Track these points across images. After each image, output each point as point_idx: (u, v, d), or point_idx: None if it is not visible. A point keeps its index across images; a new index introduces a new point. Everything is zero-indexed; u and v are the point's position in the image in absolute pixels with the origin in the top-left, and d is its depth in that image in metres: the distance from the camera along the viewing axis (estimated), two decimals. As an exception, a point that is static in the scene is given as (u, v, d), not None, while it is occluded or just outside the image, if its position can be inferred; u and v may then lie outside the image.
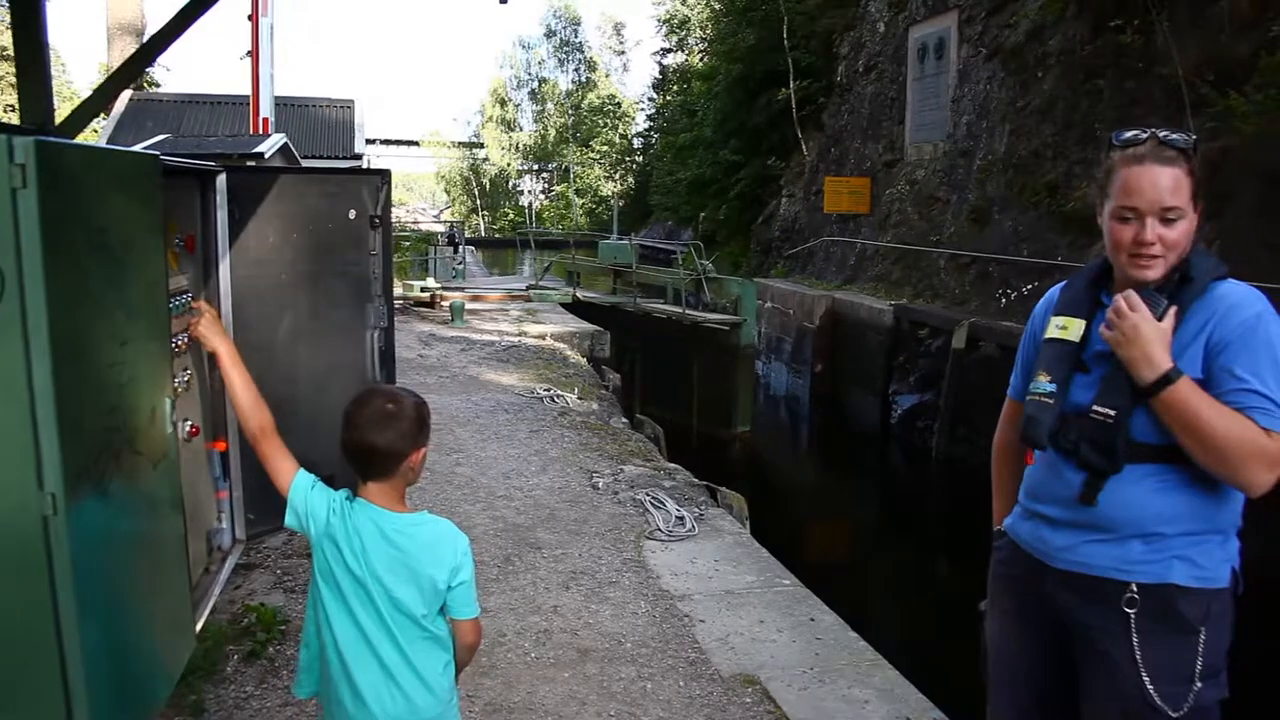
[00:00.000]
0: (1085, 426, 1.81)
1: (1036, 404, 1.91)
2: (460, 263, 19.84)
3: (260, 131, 11.79)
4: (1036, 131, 12.15)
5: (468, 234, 33.40)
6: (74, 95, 33.64)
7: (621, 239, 23.40)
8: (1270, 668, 5.00)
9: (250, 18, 12.11)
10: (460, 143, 61.36)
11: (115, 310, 1.93)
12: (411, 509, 1.99)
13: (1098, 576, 1.82)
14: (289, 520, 2.01)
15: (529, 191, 59.94)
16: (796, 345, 15.57)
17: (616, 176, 54.00)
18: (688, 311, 13.53)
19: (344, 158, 18.51)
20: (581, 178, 54.81)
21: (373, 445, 1.89)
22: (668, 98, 45.45)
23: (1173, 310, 1.76)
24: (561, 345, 11.57)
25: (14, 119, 3.37)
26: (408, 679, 1.91)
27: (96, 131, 19.77)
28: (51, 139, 1.67)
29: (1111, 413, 1.78)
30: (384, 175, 3.48)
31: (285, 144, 7.64)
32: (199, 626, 2.64)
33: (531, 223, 50.73)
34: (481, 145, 59.90)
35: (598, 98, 55.32)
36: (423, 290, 15.34)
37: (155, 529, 2.16)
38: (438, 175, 65.65)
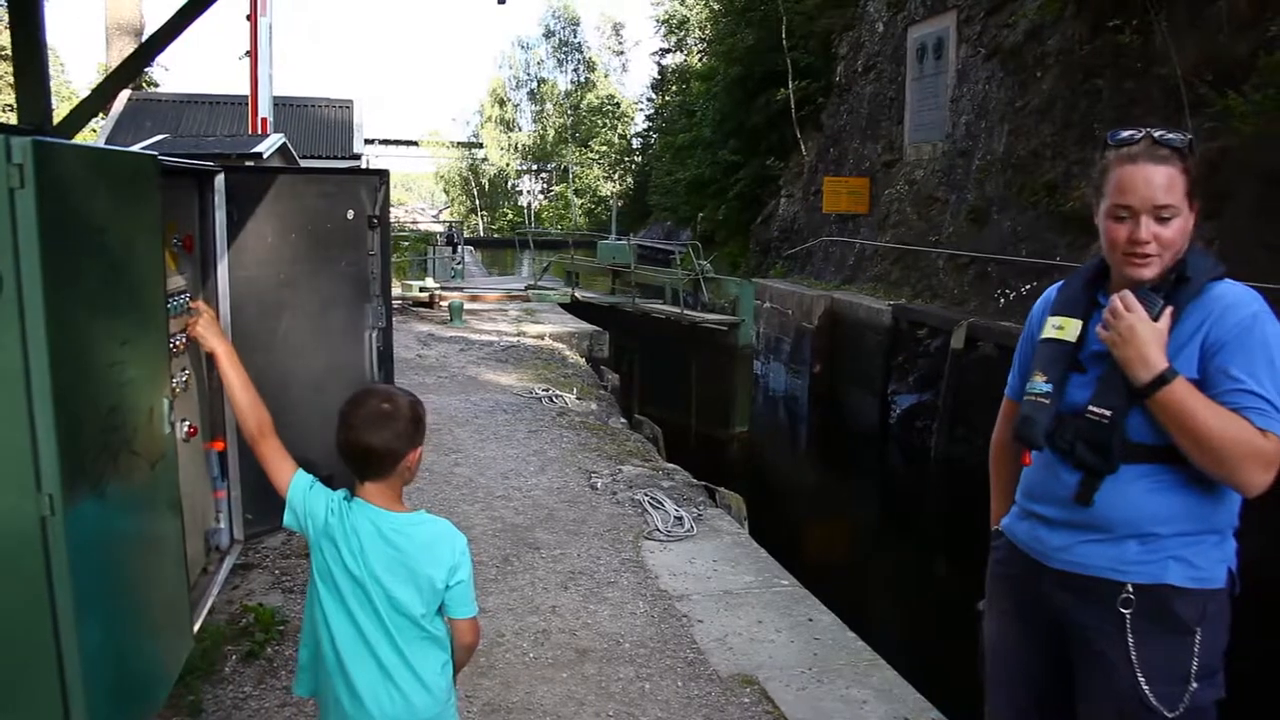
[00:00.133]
0: (1081, 426, 1.81)
1: (1032, 404, 1.91)
2: (459, 263, 19.83)
3: (259, 131, 11.79)
4: (1035, 131, 12.16)
5: (466, 234, 33.41)
6: (72, 95, 33.61)
7: (620, 239, 23.40)
8: (1269, 668, 5.00)
9: (249, 17, 12.11)
10: (459, 143, 61.37)
11: (113, 310, 1.93)
12: (410, 509, 1.99)
13: (1093, 577, 1.82)
14: (287, 520, 2.01)
15: (528, 191, 59.98)
16: (795, 345, 15.58)
17: (615, 177, 54.01)
18: (686, 312, 13.54)
19: (343, 158, 18.52)
20: (580, 178, 54.83)
21: (369, 445, 1.90)
22: (666, 98, 45.47)
23: (1168, 310, 1.76)
24: (560, 345, 11.57)
25: (12, 119, 3.37)
26: (405, 679, 1.91)
27: (95, 131, 19.78)
28: (49, 139, 1.67)
29: (1107, 413, 1.78)
30: (382, 175, 3.47)
31: (284, 144, 7.63)
32: (197, 627, 2.64)
33: (530, 223, 50.74)
34: (480, 145, 59.90)
35: (597, 98, 55.32)
36: (421, 290, 15.34)
37: (153, 529, 2.16)
38: (436, 175, 65.66)
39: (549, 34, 56.29)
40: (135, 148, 3.23)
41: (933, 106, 15.52)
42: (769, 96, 23.35)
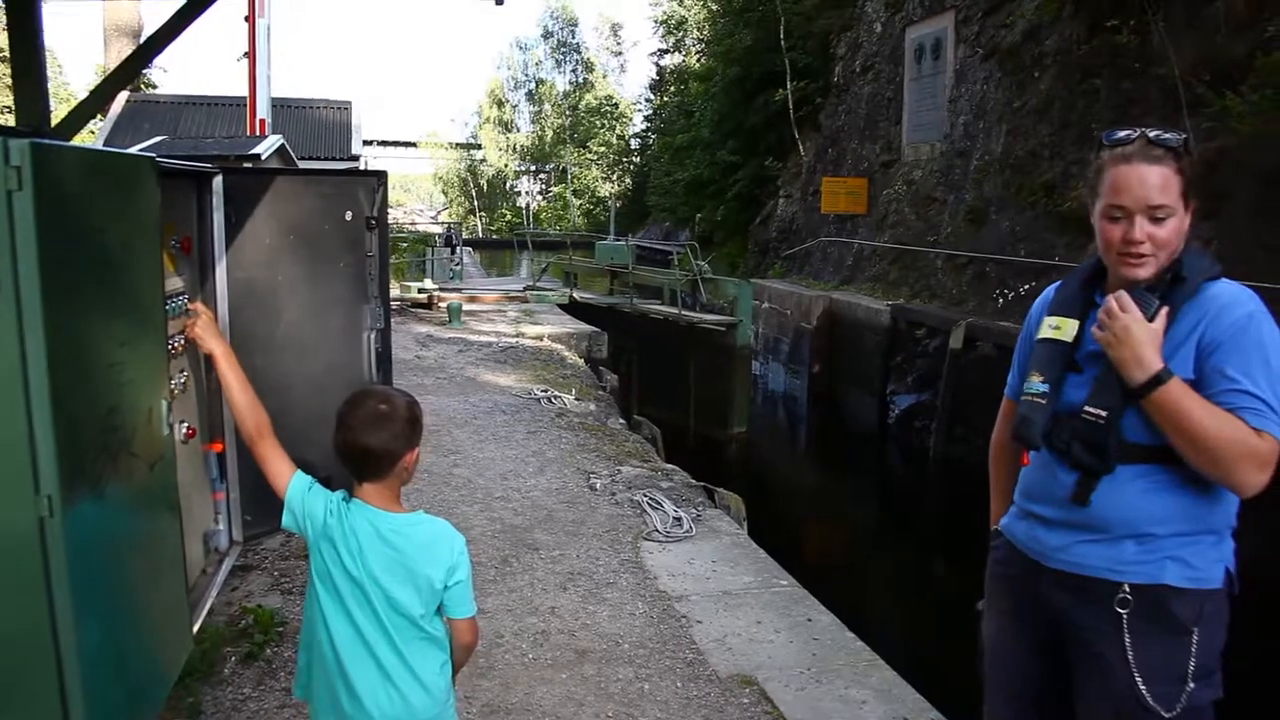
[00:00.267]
0: (1077, 427, 1.81)
1: (1029, 404, 1.91)
2: (457, 264, 19.85)
3: (257, 133, 11.81)
4: (1033, 131, 12.16)
5: (465, 235, 33.43)
6: (70, 97, 33.62)
7: (619, 240, 23.44)
8: (1267, 668, 5.00)
9: (247, 19, 12.13)
10: (458, 144, 61.28)
11: (111, 312, 1.93)
12: (408, 509, 2.00)
13: (1091, 577, 1.82)
14: (286, 521, 2.01)
15: (526, 192, 59.92)
16: (794, 345, 15.58)
17: (614, 177, 53.96)
18: (684, 312, 13.54)
19: (341, 159, 18.53)
20: (579, 178, 54.78)
21: (367, 446, 1.90)
22: (665, 99, 45.44)
23: (1164, 311, 1.76)
24: (559, 346, 11.57)
25: (10, 121, 3.37)
26: (405, 679, 1.91)
27: (93, 133, 19.78)
28: (47, 141, 1.67)
29: (1103, 413, 1.78)
30: (380, 176, 3.47)
31: (282, 145, 7.65)
32: (196, 628, 2.64)
33: (529, 224, 50.69)
34: (479, 146, 59.83)
35: (595, 99, 55.27)
36: (420, 291, 15.34)
37: (152, 531, 2.16)
38: (435, 176, 65.56)
39: (547, 35, 56.26)
40: (133, 149, 3.23)
41: (931, 107, 15.53)
42: (767, 97, 23.34)
